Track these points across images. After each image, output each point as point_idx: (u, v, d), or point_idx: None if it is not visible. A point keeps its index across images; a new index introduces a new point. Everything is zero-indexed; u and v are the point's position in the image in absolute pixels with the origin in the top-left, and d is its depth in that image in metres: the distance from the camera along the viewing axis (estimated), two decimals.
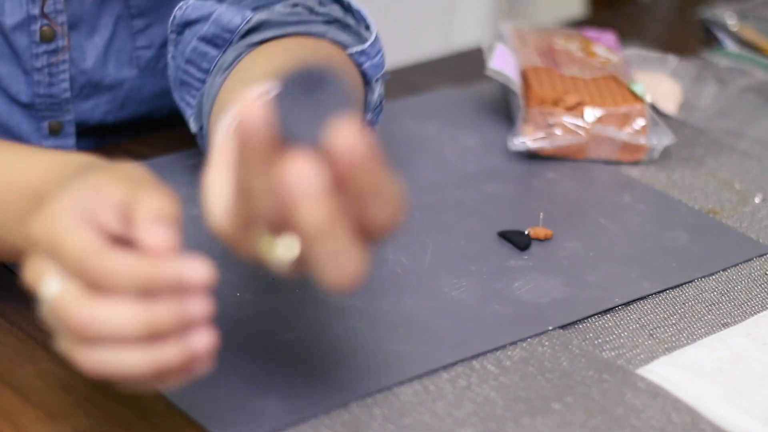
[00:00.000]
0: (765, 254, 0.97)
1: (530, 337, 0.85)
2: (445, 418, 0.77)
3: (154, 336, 0.62)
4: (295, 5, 0.93)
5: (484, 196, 1.03)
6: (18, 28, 0.97)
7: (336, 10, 0.93)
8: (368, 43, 0.92)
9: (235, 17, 0.91)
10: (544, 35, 1.21)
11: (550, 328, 0.86)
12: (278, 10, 0.92)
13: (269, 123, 0.59)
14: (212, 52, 0.92)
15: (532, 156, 1.10)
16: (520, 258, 0.94)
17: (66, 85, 1.01)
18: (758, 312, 0.90)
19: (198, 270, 0.62)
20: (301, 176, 0.57)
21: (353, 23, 0.94)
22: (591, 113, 1.09)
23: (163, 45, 1.04)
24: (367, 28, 0.94)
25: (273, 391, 0.78)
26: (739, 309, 0.91)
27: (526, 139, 1.08)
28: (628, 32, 1.33)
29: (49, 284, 0.64)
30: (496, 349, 0.84)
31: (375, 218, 0.60)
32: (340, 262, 0.58)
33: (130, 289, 0.62)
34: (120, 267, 0.62)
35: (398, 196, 0.60)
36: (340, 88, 0.59)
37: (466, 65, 1.27)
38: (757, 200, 1.06)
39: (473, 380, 0.81)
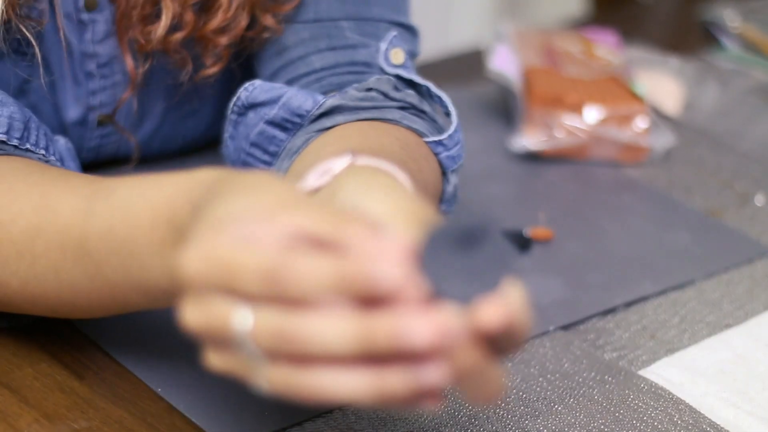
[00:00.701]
0: (766, 255, 0.97)
1: (531, 338, 0.85)
2: (447, 420, 0.77)
3: (373, 354, 0.55)
4: (369, 89, 0.87)
5: (484, 197, 1.03)
6: (78, 121, 0.94)
7: (411, 96, 0.87)
8: (447, 134, 0.86)
9: (306, 101, 0.85)
10: (544, 36, 1.21)
11: (551, 329, 0.86)
12: (351, 95, 0.86)
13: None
14: (280, 135, 0.86)
15: (532, 157, 1.09)
16: (520, 259, 0.94)
17: (110, 156, 0.98)
18: (760, 313, 0.90)
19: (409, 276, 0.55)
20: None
21: (429, 110, 0.88)
22: (592, 114, 1.09)
23: (212, 124, 1.01)
24: (447, 115, 0.88)
25: None
26: (740, 310, 0.90)
27: (527, 140, 1.08)
28: (630, 33, 1.33)
29: (242, 317, 0.57)
30: None
31: (503, 351, 0.60)
32: (484, 386, 0.59)
33: (332, 291, 0.55)
34: (315, 266, 0.55)
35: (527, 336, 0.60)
36: (500, 248, 0.57)
37: (466, 66, 1.27)
38: (758, 201, 1.05)
39: None
